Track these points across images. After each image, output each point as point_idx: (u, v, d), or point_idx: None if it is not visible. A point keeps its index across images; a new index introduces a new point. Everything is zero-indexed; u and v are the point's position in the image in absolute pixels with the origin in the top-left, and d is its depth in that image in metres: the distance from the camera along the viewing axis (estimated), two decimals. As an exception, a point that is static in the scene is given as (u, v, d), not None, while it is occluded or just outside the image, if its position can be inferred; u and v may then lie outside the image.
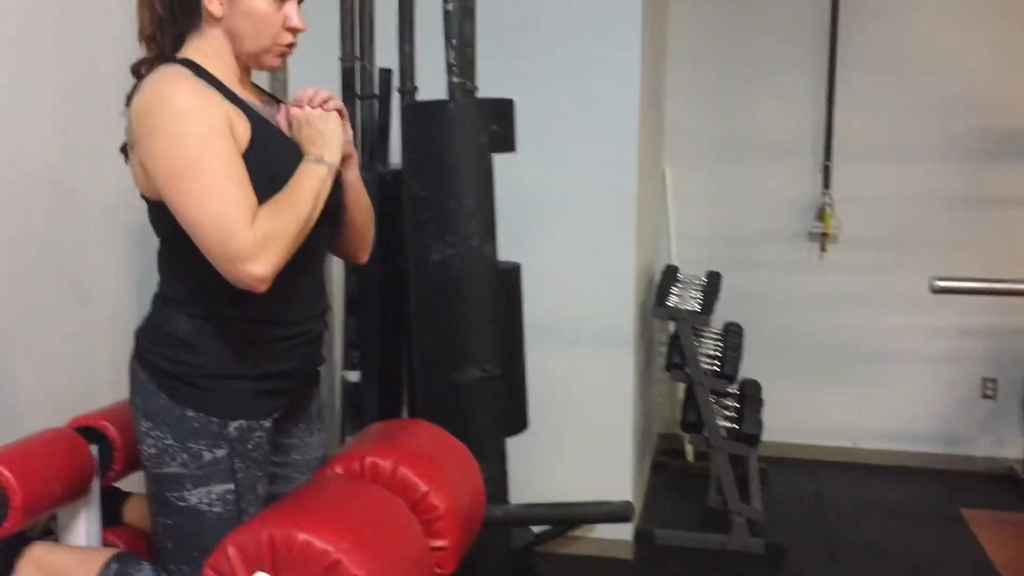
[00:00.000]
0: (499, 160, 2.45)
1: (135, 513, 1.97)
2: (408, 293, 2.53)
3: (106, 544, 1.88)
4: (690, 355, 3.55)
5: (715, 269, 4.12)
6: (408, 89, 2.72)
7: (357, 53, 2.73)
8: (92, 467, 1.79)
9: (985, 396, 4.33)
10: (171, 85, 1.52)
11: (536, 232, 3.26)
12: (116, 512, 1.97)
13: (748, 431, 3.53)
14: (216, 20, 1.60)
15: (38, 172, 2.13)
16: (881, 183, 4.29)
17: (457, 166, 2.37)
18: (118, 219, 2.43)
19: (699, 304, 3.65)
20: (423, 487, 1.75)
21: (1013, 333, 4.26)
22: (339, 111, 1.71)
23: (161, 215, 1.57)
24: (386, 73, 2.81)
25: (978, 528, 3.70)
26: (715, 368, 3.64)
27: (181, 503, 1.62)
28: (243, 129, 1.57)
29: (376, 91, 2.78)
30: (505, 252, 2.56)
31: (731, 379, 3.62)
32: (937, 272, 2.50)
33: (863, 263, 4.33)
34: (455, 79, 2.42)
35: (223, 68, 1.62)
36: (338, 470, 1.77)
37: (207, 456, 1.60)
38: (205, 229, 1.48)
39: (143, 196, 1.63)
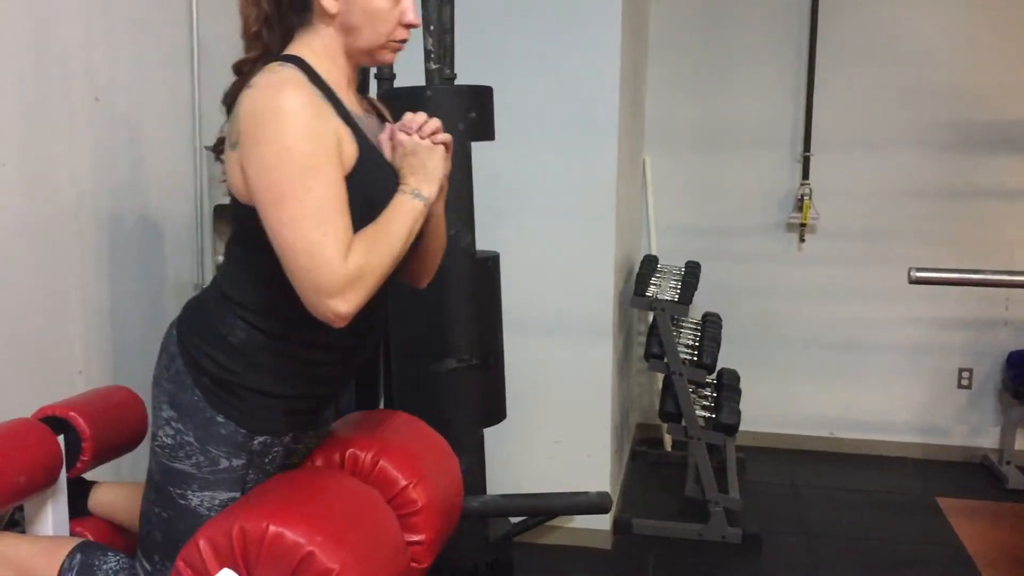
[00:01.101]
0: (477, 149, 2.42)
1: (102, 503, 1.94)
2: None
3: (73, 535, 1.84)
4: (668, 345, 3.55)
5: (694, 259, 4.12)
6: (386, 75, 2.69)
7: (334, 39, 2.70)
8: (59, 458, 1.76)
9: (961, 386, 4.37)
10: (286, 93, 1.44)
11: (515, 222, 3.24)
12: (83, 503, 1.94)
13: (726, 421, 3.53)
14: (329, 17, 1.54)
15: (8, 160, 2.08)
16: (859, 174, 4.31)
17: (435, 154, 2.34)
18: (89, 207, 2.39)
19: (678, 294, 3.65)
20: (403, 481, 1.72)
21: (989, 324, 4.29)
22: (445, 144, 1.63)
23: (251, 220, 1.49)
24: (363, 59, 2.78)
25: (953, 517, 3.73)
26: (693, 358, 3.64)
27: (182, 501, 1.58)
28: (350, 151, 1.50)
29: (353, 78, 2.75)
30: (483, 242, 2.54)
31: (709, 369, 3.62)
32: (914, 263, 2.51)
33: (841, 254, 4.35)
34: (433, 66, 2.40)
35: (334, 71, 1.56)
36: (318, 462, 1.75)
37: (223, 463, 1.57)
38: (297, 254, 1.41)
39: (232, 196, 1.55)
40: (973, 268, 2.78)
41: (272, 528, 1.43)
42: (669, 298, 3.60)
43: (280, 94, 1.43)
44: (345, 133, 1.50)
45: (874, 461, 4.37)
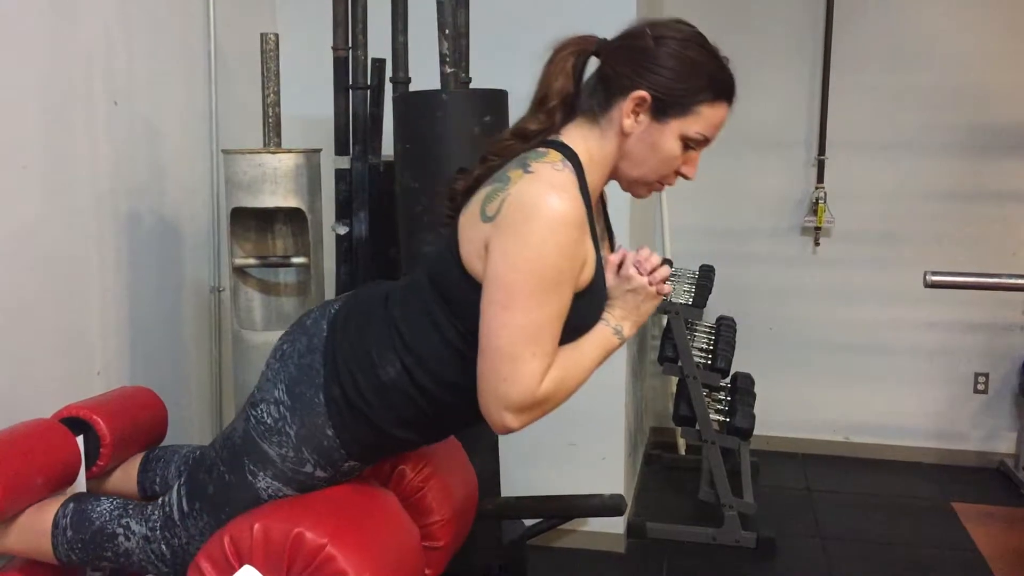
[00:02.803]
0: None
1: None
2: (400, 285, 2.52)
3: None
4: (682, 349, 3.54)
5: (708, 263, 4.11)
6: (401, 79, 2.70)
7: (350, 43, 2.71)
8: (77, 458, 1.77)
9: (977, 391, 4.34)
10: (563, 202, 1.39)
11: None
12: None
13: (740, 425, 3.53)
14: (620, 133, 1.51)
15: (29, 163, 2.11)
16: (874, 177, 4.29)
17: (450, 157, 2.35)
18: (109, 209, 2.42)
19: (692, 297, 3.65)
20: (436, 516, 1.76)
21: (1005, 328, 4.27)
22: (664, 294, 1.60)
23: (468, 293, 1.45)
24: (379, 63, 2.79)
25: (969, 522, 3.71)
26: (707, 362, 3.63)
27: (250, 477, 1.57)
28: (587, 275, 1.47)
29: (369, 81, 2.76)
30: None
31: (723, 373, 3.61)
32: (930, 266, 2.50)
33: (856, 257, 4.33)
34: (448, 69, 2.40)
35: (595, 180, 1.54)
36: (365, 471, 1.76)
37: (308, 469, 1.56)
38: (500, 360, 1.39)
39: (454, 253, 1.48)
40: (989, 272, 2.77)
41: (295, 529, 1.46)
42: (683, 301, 3.60)
43: (557, 201, 1.39)
44: (590, 256, 1.47)
45: (889, 465, 4.34)
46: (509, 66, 3.08)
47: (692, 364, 3.54)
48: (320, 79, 2.80)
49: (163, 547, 1.63)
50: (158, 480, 1.88)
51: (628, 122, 1.50)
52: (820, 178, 4.32)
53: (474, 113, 2.37)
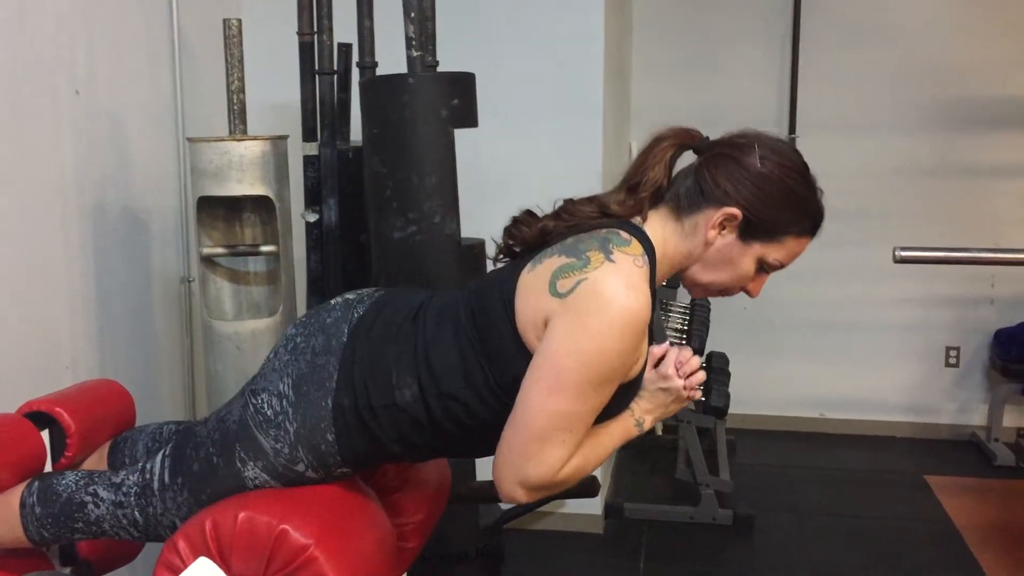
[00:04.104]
0: (460, 135, 2.41)
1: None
2: (371, 271, 2.50)
3: None
4: (658, 329, 3.55)
5: (682, 243, 4.12)
6: (368, 64, 2.68)
7: (315, 27, 2.68)
8: (43, 453, 1.75)
9: (949, 364, 4.39)
10: (636, 303, 1.36)
11: (500, 208, 3.22)
12: None
13: (716, 403, 3.54)
14: (701, 240, 1.49)
15: (-14, 153, 2.07)
16: (845, 155, 4.30)
17: (418, 142, 2.33)
18: (74, 201, 2.38)
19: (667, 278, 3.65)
20: (408, 518, 1.75)
21: (975, 302, 4.31)
22: (693, 399, 1.59)
23: (513, 353, 1.43)
24: (345, 47, 2.76)
25: (942, 494, 3.76)
26: (683, 342, 3.64)
27: (239, 464, 1.53)
28: (635, 372, 1.46)
29: (335, 66, 2.74)
30: (468, 229, 2.54)
31: (699, 352, 3.62)
32: (901, 242, 2.52)
33: (828, 235, 4.23)
34: (415, 53, 2.38)
35: (664, 272, 1.52)
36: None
37: (300, 468, 1.53)
38: (529, 439, 1.39)
39: (510, 316, 1.45)
40: (959, 246, 2.79)
41: (241, 514, 1.44)
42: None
43: (632, 301, 1.37)
44: (643, 354, 1.46)
45: (864, 440, 4.39)
46: (476, 49, 3.08)
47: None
48: (286, 65, 2.78)
49: (136, 513, 1.60)
50: (127, 460, 1.87)
51: (713, 233, 1.48)
52: (791, 156, 4.32)
53: (441, 96, 2.35)
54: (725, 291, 1.57)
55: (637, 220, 1.51)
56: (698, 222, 1.49)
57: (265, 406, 1.53)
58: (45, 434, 1.77)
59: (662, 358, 1.54)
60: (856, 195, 4.31)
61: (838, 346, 4.42)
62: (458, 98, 2.37)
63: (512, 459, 1.41)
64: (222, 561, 1.44)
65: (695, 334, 3.65)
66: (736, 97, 4.33)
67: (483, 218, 2.89)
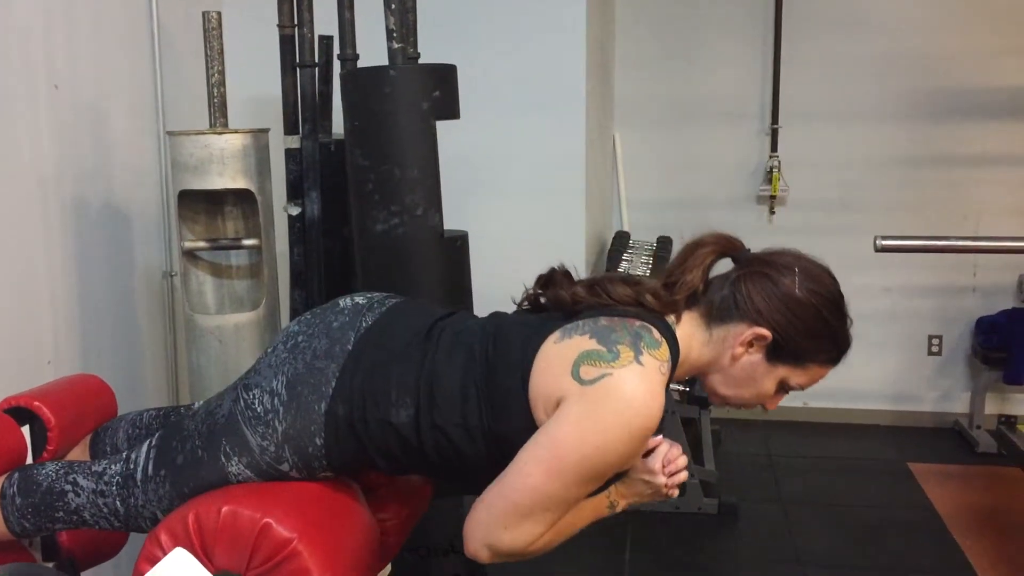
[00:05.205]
0: (443, 127, 2.41)
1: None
2: (354, 264, 2.50)
3: None
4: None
5: (666, 234, 4.13)
6: (349, 56, 2.67)
7: (296, 19, 2.67)
8: (23, 449, 1.74)
9: (931, 353, 4.42)
10: (652, 410, 1.37)
11: (483, 200, 3.24)
12: None
13: (700, 394, 3.56)
14: (728, 354, 1.50)
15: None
16: (827, 145, 4.33)
17: (400, 134, 2.33)
18: (54, 195, 2.37)
19: (650, 269, 3.66)
20: (390, 514, 1.75)
21: (957, 291, 4.34)
22: (671, 496, 1.61)
23: (517, 417, 1.43)
24: (326, 40, 2.75)
25: (925, 481, 3.79)
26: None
27: (223, 459, 1.52)
28: (629, 466, 1.49)
29: (316, 59, 2.73)
30: (451, 221, 2.53)
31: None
32: (883, 232, 2.53)
33: (811, 225, 4.37)
34: (396, 45, 2.37)
35: (682, 373, 1.54)
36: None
37: (285, 468, 1.52)
38: (512, 510, 1.39)
39: (523, 383, 1.44)
40: (940, 235, 2.81)
41: (225, 508, 1.44)
42: (641, 273, 3.61)
43: (649, 411, 1.37)
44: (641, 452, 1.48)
45: (847, 429, 4.42)
46: (458, 40, 3.07)
47: (651, 335, 3.55)
48: (267, 58, 2.76)
49: (117, 503, 1.59)
50: (108, 449, 1.86)
51: (740, 350, 1.50)
52: (774, 147, 4.35)
53: (423, 88, 2.34)
54: (744, 405, 1.58)
55: (671, 319, 1.51)
56: (727, 335, 1.50)
57: (256, 402, 1.52)
58: (26, 430, 1.76)
59: (651, 450, 1.55)
60: (839, 185, 4.34)
61: (822, 335, 4.43)
62: (440, 90, 2.36)
63: (489, 522, 1.41)
64: (205, 554, 1.43)
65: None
66: (720, 87, 4.34)
67: (466, 210, 2.90)
